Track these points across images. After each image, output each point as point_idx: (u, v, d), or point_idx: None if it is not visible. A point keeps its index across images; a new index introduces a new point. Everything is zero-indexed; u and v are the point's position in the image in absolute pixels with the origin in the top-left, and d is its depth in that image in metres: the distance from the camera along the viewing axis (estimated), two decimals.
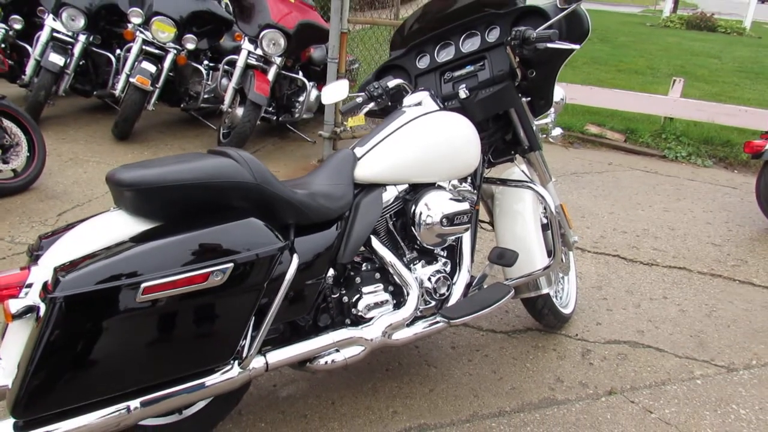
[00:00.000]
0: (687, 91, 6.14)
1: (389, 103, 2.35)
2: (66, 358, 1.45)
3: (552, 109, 2.46)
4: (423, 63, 2.44)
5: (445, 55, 2.40)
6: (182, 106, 5.46)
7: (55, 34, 4.94)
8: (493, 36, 2.30)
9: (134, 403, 1.58)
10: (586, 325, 2.83)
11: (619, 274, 3.35)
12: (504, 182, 2.49)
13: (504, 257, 2.28)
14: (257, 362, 1.79)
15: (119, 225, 1.62)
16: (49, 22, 4.94)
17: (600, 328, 2.81)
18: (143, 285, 1.46)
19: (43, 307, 1.47)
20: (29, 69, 5.00)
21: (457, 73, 2.36)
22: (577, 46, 2.12)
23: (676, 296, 3.17)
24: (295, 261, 1.74)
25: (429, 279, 2.15)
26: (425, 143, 2.11)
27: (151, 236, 1.56)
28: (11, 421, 1.49)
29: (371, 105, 2.32)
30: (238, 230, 1.62)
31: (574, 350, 2.63)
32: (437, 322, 2.14)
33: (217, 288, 1.57)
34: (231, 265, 1.57)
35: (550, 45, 2.05)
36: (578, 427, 2.17)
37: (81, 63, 5.18)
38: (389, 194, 2.10)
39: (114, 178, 1.58)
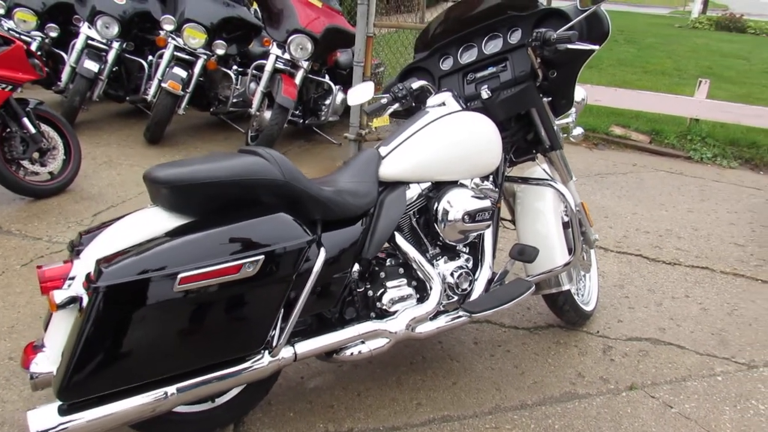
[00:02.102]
0: (714, 92, 6.10)
1: (413, 104, 2.42)
2: (107, 344, 1.54)
3: (573, 109, 2.50)
4: (446, 65, 2.50)
5: (468, 56, 2.46)
6: (212, 110, 5.60)
7: (89, 42, 5.12)
8: (515, 38, 2.36)
9: (171, 389, 1.67)
10: (608, 322, 2.86)
11: (641, 273, 3.37)
12: (525, 181, 2.54)
13: (524, 253, 2.32)
14: (286, 352, 1.86)
15: (156, 221, 1.71)
16: (84, 29, 5.13)
17: (621, 326, 2.84)
18: (180, 275, 1.55)
19: (86, 298, 1.56)
20: (65, 75, 5.19)
21: (479, 75, 2.41)
22: (596, 47, 2.16)
23: (698, 295, 3.17)
24: (322, 254, 1.81)
25: (451, 274, 2.21)
26: (448, 142, 2.17)
27: (186, 230, 1.65)
28: (56, 404, 1.59)
29: (396, 106, 2.40)
30: (269, 224, 1.70)
31: (595, 347, 2.66)
32: (459, 317, 2.19)
33: (249, 279, 1.65)
34: (262, 257, 1.65)
35: (570, 46, 2.10)
36: (599, 420, 2.21)
37: (114, 69, 5.36)
38: (413, 192, 2.16)
39: (151, 176, 1.67)
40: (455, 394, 2.31)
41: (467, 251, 2.31)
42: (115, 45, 5.19)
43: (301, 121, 5.39)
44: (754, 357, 2.65)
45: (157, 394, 1.66)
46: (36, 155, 3.80)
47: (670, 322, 2.89)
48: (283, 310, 1.79)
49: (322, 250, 1.82)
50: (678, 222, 4.15)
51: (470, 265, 2.29)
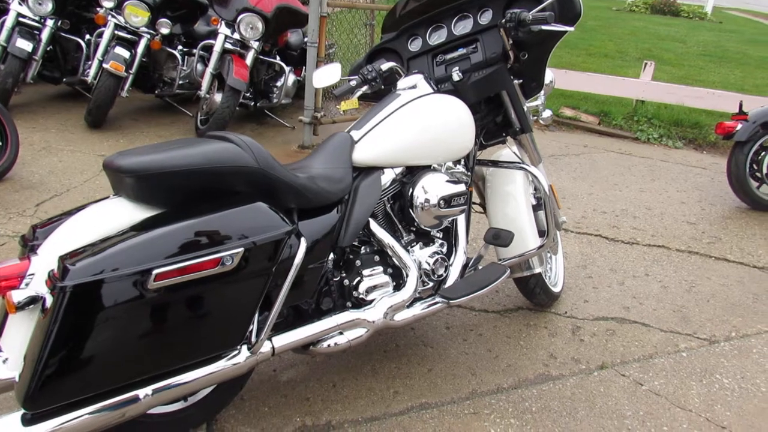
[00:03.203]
0: (655, 74, 6.27)
1: (383, 86, 2.35)
2: (76, 348, 1.43)
3: (542, 92, 2.49)
4: (415, 46, 2.44)
5: (437, 37, 2.40)
6: (157, 92, 5.35)
7: (21, 19, 4.76)
8: (485, 18, 2.32)
9: (145, 391, 1.56)
10: (574, 303, 2.89)
11: (602, 253, 3.44)
12: (496, 164, 2.52)
13: (500, 238, 2.31)
14: (264, 347, 1.78)
15: (121, 212, 1.59)
16: (15, 6, 4.76)
17: (588, 306, 2.88)
18: (155, 272, 1.44)
19: (49, 297, 1.45)
20: None
21: (449, 56, 2.37)
22: (571, 28, 2.15)
23: (657, 273, 3.26)
24: (303, 245, 1.74)
25: (427, 261, 2.17)
26: (422, 126, 2.12)
27: (158, 223, 1.54)
28: (19, 413, 1.46)
29: (365, 88, 2.33)
30: (246, 215, 1.62)
31: (564, 327, 2.69)
32: (436, 303, 2.16)
33: (227, 273, 1.56)
34: (241, 249, 1.56)
35: (545, 27, 2.08)
36: (574, 401, 2.24)
37: (49, 49, 5.01)
38: (387, 177, 2.11)
39: (113, 164, 1.55)
40: (431, 381, 2.29)
41: (441, 237, 2.28)
42: (49, 23, 4.85)
43: (252, 103, 5.23)
44: (715, 332, 2.74)
45: (129, 396, 1.55)
46: None
47: (633, 301, 2.96)
48: (261, 304, 1.71)
49: (303, 240, 1.75)
50: (632, 202, 4.25)
51: (445, 250, 2.26)
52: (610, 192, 4.41)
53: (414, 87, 2.26)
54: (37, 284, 1.49)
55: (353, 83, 2.31)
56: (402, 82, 2.30)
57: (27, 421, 1.45)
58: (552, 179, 4.54)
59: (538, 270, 2.52)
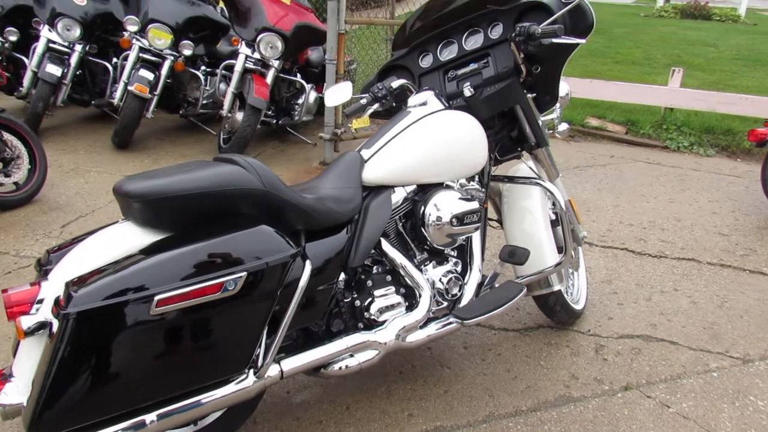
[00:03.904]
0: (685, 80, 6.13)
1: (394, 104, 2.33)
2: (81, 374, 1.43)
3: (558, 104, 2.44)
4: (426, 62, 2.42)
5: (448, 53, 2.38)
6: (181, 112, 5.44)
7: (51, 45, 4.92)
8: (496, 33, 2.28)
9: (151, 417, 1.56)
10: (598, 320, 2.81)
11: (628, 268, 3.34)
12: (511, 179, 2.47)
13: (515, 255, 2.25)
14: (272, 371, 1.76)
15: (128, 237, 1.60)
16: (45, 33, 4.92)
17: (612, 323, 2.79)
18: (156, 297, 1.44)
19: (56, 323, 1.45)
20: (27, 80, 4.98)
21: (461, 71, 2.34)
22: (582, 41, 2.10)
23: (686, 288, 3.15)
24: (308, 267, 1.72)
25: (440, 280, 2.13)
26: (432, 143, 2.09)
27: (161, 248, 1.54)
28: None
29: (375, 106, 2.31)
30: (250, 238, 1.60)
31: (587, 346, 2.61)
32: (450, 323, 2.11)
33: (230, 298, 1.55)
34: (244, 274, 1.55)
35: (555, 40, 2.03)
36: (596, 424, 2.16)
37: (78, 73, 5.16)
38: (398, 196, 2.08)
39: (122, 189, 1.56)
40: (447, 403, 2.24)
41: (455, 255, 2.24)
42: (78, 48, 4.99)
43: (275, 121, 5.26)
44: (749, 351, 2.62)
45: (136, 422, 1.55)
46: None
47: (660, 317, 2.85)
48: (267, 327, 1.69)
49: (308, 262, 1.73)
50: (660, 213, 4.14)
51: (459, 269, 2.22)
52: (638, 203, 4.30)
53: (424, 104, 2.24)
54: (46, 310, 1.51)
55: (363, 101, 2.29)
56: (412, 99, 2.28)
57: None
58: (576, 191, 4.46)
59: (557, 287, 2.45)
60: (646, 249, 3.57)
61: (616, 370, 2.46)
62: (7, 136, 3.64)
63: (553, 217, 2.57)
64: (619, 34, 12.42)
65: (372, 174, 2.03)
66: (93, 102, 5.37)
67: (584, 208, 4.13)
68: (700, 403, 2.28)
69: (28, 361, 1.52)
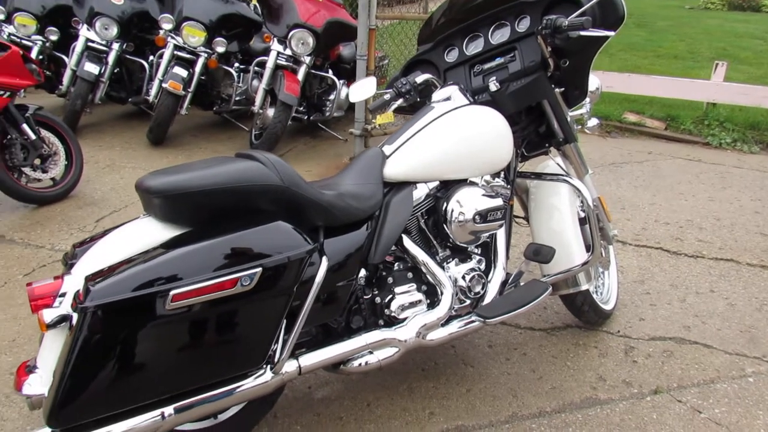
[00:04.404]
0: (731, 74, 5.92)
1: (418, 99, 2.30)
2: (98, 366, 1.45)
3: (587, 99, 2.37)
4: (452, 57, 2.38)
5: (474, 47, 2.33)
6: (215, 109, 5.52)
7: (89, 44, 5.05)
8: (523, 26, 2.23)
9: (168, 410, 1.57)
10: (629, 321, 2.73)
11: (662, 267, 3.24)
12: (539, 176, 2.42)
13: (540, 254, 2.20)
14: (290, 366, 1.76)
15: (149, 232, 1.61)
16: (84, 32, 5.05)
17: (643, 324, 2.71)
18: (172, 292, 1.45)
19: (75, 317, 1.48)
20: (66, 79, 5.12)
21: (487, 66, 2.29)
22: (611, 33, 2.03)
23: (724, 289, 3.04)
24: (324, 263, 1.71)
25: (463, 277, 2.10)
26: (455, 139, 2.06)
27: (179, 243, 1.55)
28: (48, 430, 1.50)
29: (399, 101, 2.28)
30: (266, 234, 1.60)
31: (616, 347, 2.54)
32: (472, 322, 2.08)
33: (246, 293, 1.55)
34: (259, 269, 1.55)
35: (583, 33, 1.97)
36: (622, 428, 2.09)
37: (115, 71, 5.29)
38: (420, 192, 2.05)
39: (143, 185, 1.57)
40: (470, 402, 2.21)
41: (479, 252, 2.20)
42: (115, 46, 5.11)
43: (306, 117, 5.29)
44: None
45: (154, 415, 1.56)
46: (37, 161, 3.74)
47: (695, 320, 2.76)
48: (285, 322, 1.69)
49: (324, 258, 1.72)
50: (699, 212, 4.00)
51: (483, 266, 2.18)
52: (675, 201, 4.17)
53: (449, 99, 2.20)
54: (67, 303, 1.54)
55: (387, 97, 2.28)
56: (437, 94, 2.25)
57: None
58: (611, 188, 4.35)
59: (584, 287, 2.39)
60: (682, 248, 3.46)
61: (645, 373, 2.38)
62: (44, 133, 3.74)
63: (582, 214, 2.50)
64: (662, 27, 12.08)
65: (393, 170, 2.01)
66: (130, 99, 5.49)
67: (619, 206, 4.03)
68: (733, 409, 2.19)
69: (51, 353, 1.55)
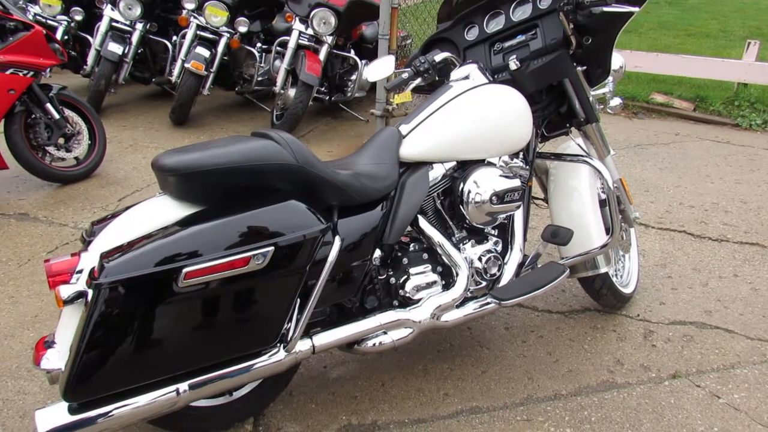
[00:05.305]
0: (763, 54, 5.74)
1: (437, 78, 2.27)
2: (112, 342, 1.47)
3: (610, 78, 2.32)
4: (471, 34, 2.34)
5: (495, 25, 2.29)
6: (237, 89, 5.52)
7: (113, 24, 5.08)
8: (545, 2, 2.18)
9: (183, 386, 1.60)
10: (649, 305, 2.69)
11: (685, 251, 3.18)
12: (559, 157, 2.38)
13: (558, 236, 2.17)
14: (303, 345, 1.77)
15: (164, 210, 1.63)
16: (108, 12, 5.08)
17: (664, 308, 2.67)
18: (185, 270, 1.46)
19: (90, 293, 1.50)
20: (90, 59, 5.16)
21: (507, 44, 2.25)
22: (636, 9, 1.97)
23: (747, 274, 2.97)
24: (337, 243, 1.71)
25: (479, 259, 2.08)
26: (473, 118, 2.03)
27: (193, 221, 1.56)
28: (64, 404, 1.53)
29: (418, 80, 2.25)
30: (279, 213, 1.60)
31: (635, 331, 2.51)
32: (488, 303, 2.07)
33: (259, 272, 1.55)
34: (272, 248, 1.55)
35: (606, 9, 1.92)
36: (639, 411, 2.07)
37: (139, 51, 5.31)
38: (436, 172, 2.03)
39: (158, 163, 1.58)
40: (485, 384, 2.20)
41: (496, 234, 2.18)
42: (139, 26, 5.13)
43: (327, 98, 5.27)
44: None
45: (168, 391, 1.59)
46: (61, 141, 3.79)
47: (717, 304, 2.71)
48: (298, 302, 1.70)
49: (337, 238, 1.71)
50: (725, 195, 3.91)
51: (499, 248, 2.16)
52: (701, 184, 4.08)
53: (467, 77, 2.17)
54: (84, 280, 1.56)
55: (405, 75, 2.24)
56: (455, 73, 2.22)
57: (74, 410, 1.52)
58: (636, 170, 4.26)
59: (603, 270, 2.35)
60: (706, 232, 3.39)
61: (664, 357, 2.35)
62: (68, 112, 3.79)
63: (603, 196, 2.46)
64: (694, 5, 11.74)
65: (409, 150, 1.99)
66: (153, 80, 5.53)
67: (642, 188, 3.95)
68: (753, 395, 2.15)
69: (68, 329, 1.58)
